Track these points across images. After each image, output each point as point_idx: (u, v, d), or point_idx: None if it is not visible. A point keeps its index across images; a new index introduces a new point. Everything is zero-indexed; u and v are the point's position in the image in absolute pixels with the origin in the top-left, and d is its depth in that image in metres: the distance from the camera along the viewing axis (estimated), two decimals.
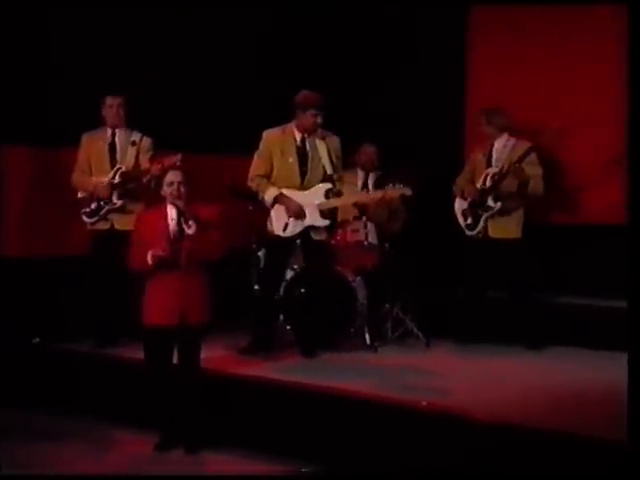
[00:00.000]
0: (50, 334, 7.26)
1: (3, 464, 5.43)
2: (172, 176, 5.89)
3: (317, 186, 6.80)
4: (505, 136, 7.44)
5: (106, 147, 7.09)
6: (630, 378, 4.51)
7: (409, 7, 8.54)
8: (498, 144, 7.45)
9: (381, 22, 8.69)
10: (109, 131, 7.13)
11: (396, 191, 6.84)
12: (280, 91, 7.17)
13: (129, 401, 6.58)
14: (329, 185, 6.79)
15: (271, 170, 6.81)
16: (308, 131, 6.76)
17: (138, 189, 6.95)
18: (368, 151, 7.90)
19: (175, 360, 5.97)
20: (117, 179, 7.01)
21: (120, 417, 6.52)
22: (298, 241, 6.94)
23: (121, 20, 7.57)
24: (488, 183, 7.33)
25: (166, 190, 5.86)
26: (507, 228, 7.33)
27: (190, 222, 5.77)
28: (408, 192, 6.82)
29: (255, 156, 6.85)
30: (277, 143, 6.81)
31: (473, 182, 7.50)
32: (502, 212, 7.29)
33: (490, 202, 7.29)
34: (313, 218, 6.79)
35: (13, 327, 7.20)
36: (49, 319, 7.32)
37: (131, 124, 7.17)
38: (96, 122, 7.15)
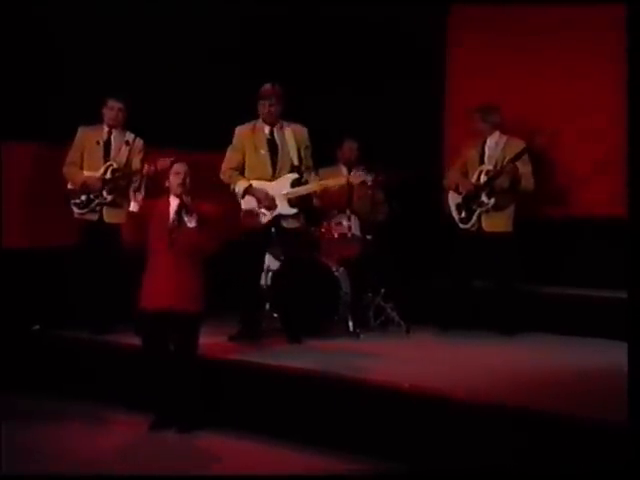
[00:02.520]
0: (49, 321, 7.44)
1: (3, 444, 5.55)
2: (179, 167, 6.11)
3: (284, 176, 7.06)
4: (497, 134, 7.63)
5: (101, 144, 7.30)
6: (630, 361, 4.63)
7: (390, 6, 8.63)
8: (490, 141, 7.63)
9: (363, 22, 8.78)
10: (105, 129, 7.34)
11: (358, 177, 7.14)
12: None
13: (124, 384, 6.76)
14: (295, 175, 7.06)
15: (243, 163, 7.10)
16: (268, 121, 7.07)
17: (128, 187, 7.10)
18: (350, 147, 8.10)
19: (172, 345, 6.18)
20: (108, 175, 7.22)
21: (116, 399, 6.70)
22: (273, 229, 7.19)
23: (119, 20, 7.71)
24: (482, 179, 7.53)
25: (172, 180, 6.08)
26: (500, 222, 7.53)
27: (192, 215, 6.00)
28: (369, 179, 7.12)
29: (228, 150, 7.13)
30: (249, 137, 7.10)
31: (466, 176, 7.69)
32: (495, 207, 7.49)
33: (484, 198, 7.48)
34: (281, 207, 7.05)
35: (13, 315, 7.34)
36: (49, 307, 7.47)
37: (127, 124, 7.36)
38: (93, 120, 7.34)
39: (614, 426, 4.89)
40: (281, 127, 7.10)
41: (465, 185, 7.63)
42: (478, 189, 7.53)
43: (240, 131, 7.14)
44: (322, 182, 7.16)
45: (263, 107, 7.04)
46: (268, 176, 7.06)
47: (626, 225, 4.90)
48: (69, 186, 7.32)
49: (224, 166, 7.11)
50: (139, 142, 7.37)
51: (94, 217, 7.26)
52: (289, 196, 7.04)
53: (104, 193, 7.22)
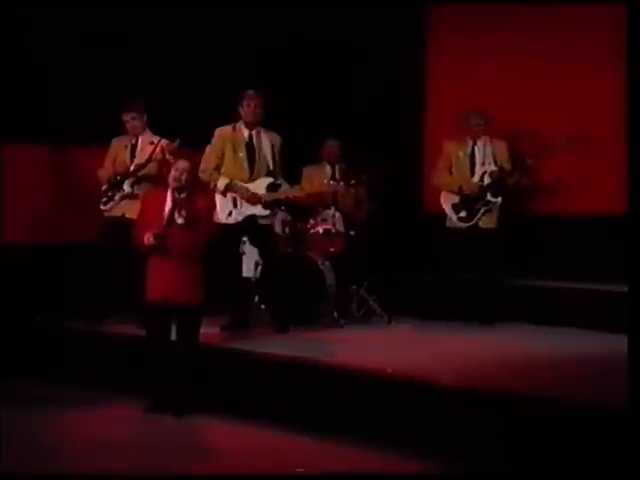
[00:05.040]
0: (51, 312, 7.71)
1: (5, 429, 5.64)
2: (180, 163, 6.33)
3: (260, 180, 7.34)
4: (483, 137, 7.94)
5: (129, 147, 7.63)
6: (630, 349, 4.64)
7: (370, 6, 8.77)
8: (480, 143, 7.92)
9: (344, 22, 8.92)
10: (133, 137, 7.66)
11: (330, 187, 7.52)
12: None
13: (122, 371, 7.01)
14: (271, 179, 7.36)
15: (221, 163, 7.36)
16: (249, 123, 7.34)
17: (147, 176, 7.48)
18: (331, 146, 8.37)
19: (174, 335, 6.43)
20: (132, 168, 7.51)
21: (113, 385, 6.92)
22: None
23: (120, 23, 7.95)
24: (486, 180, 7.83)
25: (172, 173, 6.29)
26: (494, 219, 7.87)
27: (182, 212, 6.21)
28: (340, 188, 7.53)
29: (207, 150, 7.39)
30: (228, 139, 7.36)
31: (456, 176, 7.94)
32: (498, 205, 7.83)
33: (490, 197, 7.78)
34: (256, 208, 7.34)
35: (17, 306, 7.61)
36: (50, 299, 7.75)
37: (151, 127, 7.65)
38: (101, 123, 7.65)
39: (598, 409, 5.08)
40: (259, 132, 7.39)
41: (469, 186, 7.89)
42: (483, 189, 7.82)
43: (220, 132, 7.40)
44: (298, 191, 7.50)
45: (248, 107, 7.28)
46: (245, 178, 7.34)
47: (626, 220, 4.94)
48: (103, 187, 7.63)
49: (203, 165, 7.34)
50: (164, 142, 7.52)
51: (119, 213, 7.54)
52: (264, 199, 7.33)
53: (125, 187, 7.52)
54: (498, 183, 7.80)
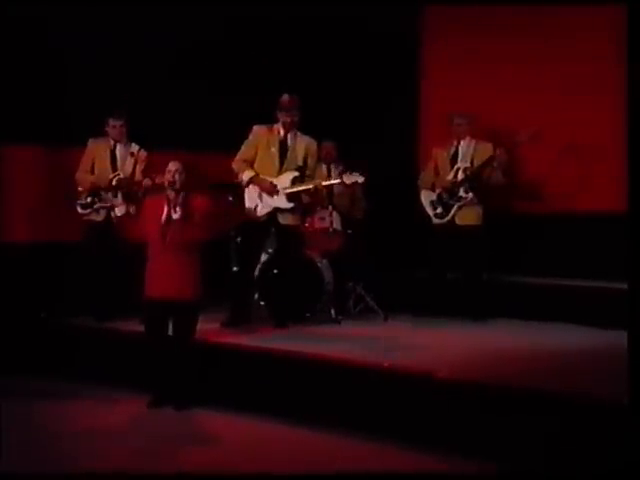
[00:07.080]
0: (55, 310, 7.85)
1: (6, 422, 5.68)
2: (171, 165, 6.50)
3: (286, 174, 7.45)
4: (468, 137, 8.03)
5: (108, 154, 7.79)
6: (630, 346, 4.65)
7: (366, 6, 8.83)
8: (463, 143, 8.01)
9: (341, 25, 9.01)
10: (112, 142, 7.81)
11: (351, 178, 7.49)
12: (256, 97, 7.85)
13: (124, 366, 7.12)
14: (296, 173, 7.45)
15: (254, 158, 7.50)
16: (286, 128, 7.46)
17: (129, 194, 7.69)
18: (327, 147, 8.44)
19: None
20: (114, 183, 7.71)
21: (115, 380, 7.04)
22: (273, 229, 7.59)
23: (117, 27, 8.08)
24: (460, 176, 7.93)
25: (165, 177, 6.47)
26: (472, 216, 7.92)
27: (177, 208, 6.37)
28: (361, 179, 7.47)
29: (243, 144, 7.53)
30: (264, 135, 7.49)
31: (439, 176, 8.05)
32: (476, 201, 7.90)
33: (462, 193, 7.87)
34: (280, 201, 7.42)
35: (23, 304, 7.75)
36: (55, 297, 7.89)
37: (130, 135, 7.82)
38: (95, 127, 7.78)
39: (597, 404, 5.11)
40: (295, 135, 7.50)
41: (441, 183, 7.99)
42: (455, 186, 7.92)
43: (258, 129, 7.53)
44: (317, 180, 7.56)
45: (284, 116, 7.42)
46: (274, 172, 7.44)
47: (626, 218, 4.93)
48: (79, 189, 7.78)
49: (237, 157, 7.51)
50: (143, 153, 7.84)
51: (99, 217, 7.74)
52: (287, 191, 7.41)
53: (108, 197, 7.71)
54: (472, 180, 7.87)
